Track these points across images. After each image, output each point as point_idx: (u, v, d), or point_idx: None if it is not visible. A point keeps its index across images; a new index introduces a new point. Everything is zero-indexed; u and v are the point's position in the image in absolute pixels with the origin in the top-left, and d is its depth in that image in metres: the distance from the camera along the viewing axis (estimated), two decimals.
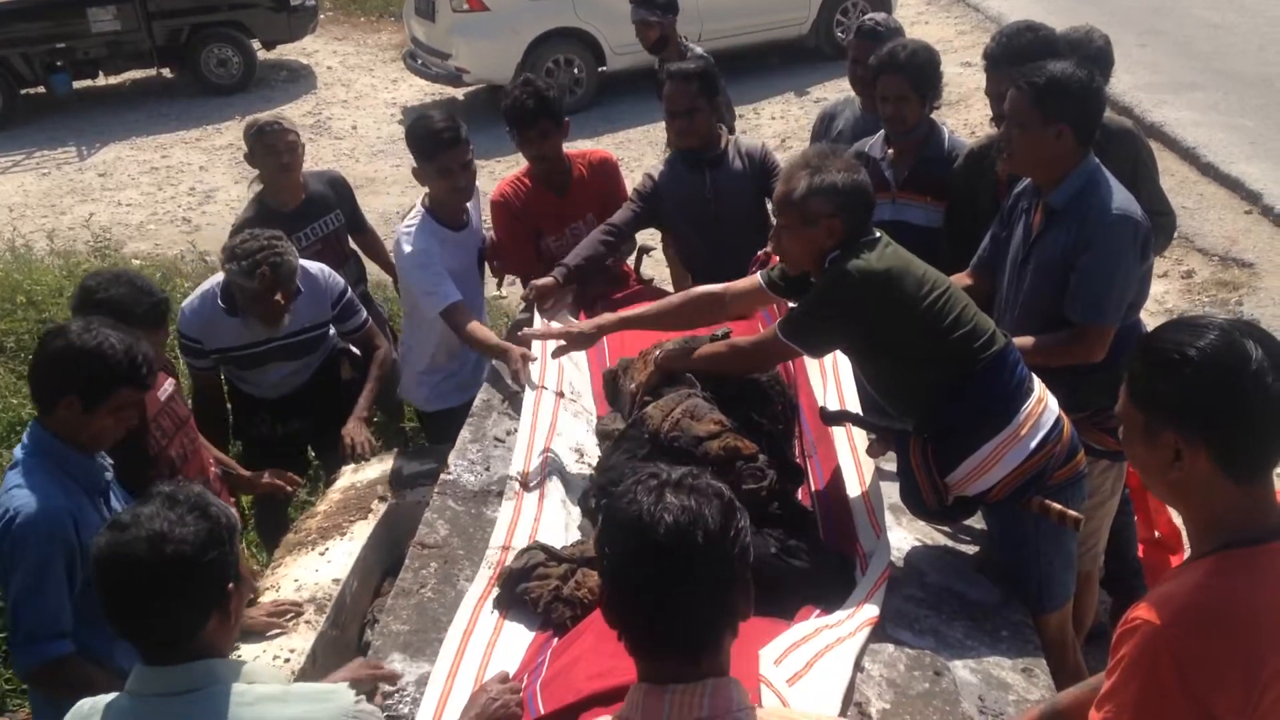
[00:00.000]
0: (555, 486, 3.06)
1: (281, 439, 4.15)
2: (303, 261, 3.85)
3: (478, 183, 4.13)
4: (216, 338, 3.85)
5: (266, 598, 2.96)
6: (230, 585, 1.86)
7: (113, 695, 1.86)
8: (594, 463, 3.21)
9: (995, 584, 2.79)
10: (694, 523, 1.47)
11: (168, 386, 3.31)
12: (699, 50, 5.80)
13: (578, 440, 3.33)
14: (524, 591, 2.57)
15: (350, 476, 3.69)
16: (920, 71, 3.76)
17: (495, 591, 2.67)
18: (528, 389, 3.48)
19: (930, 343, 2.67)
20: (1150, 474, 1.72)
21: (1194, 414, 1.61)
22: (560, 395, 3.48)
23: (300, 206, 4.42)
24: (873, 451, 3.09)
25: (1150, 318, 5.52)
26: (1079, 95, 2.93)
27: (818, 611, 2.53)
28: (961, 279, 3.22)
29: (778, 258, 2.96)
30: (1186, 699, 1.57)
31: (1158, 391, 1.65)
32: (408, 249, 3.87)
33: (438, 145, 3.80)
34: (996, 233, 3.27)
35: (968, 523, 3.07)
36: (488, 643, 2.49)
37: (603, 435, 3.30)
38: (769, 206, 3.66)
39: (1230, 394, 1.58)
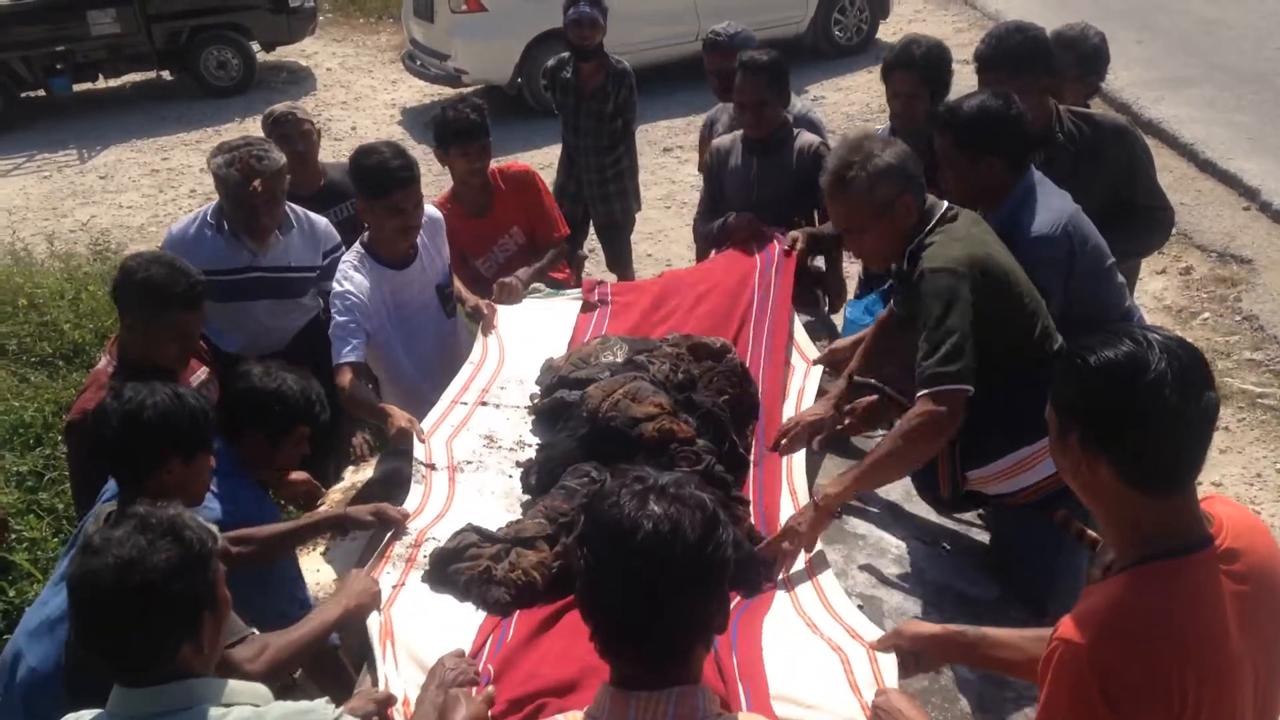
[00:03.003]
0: (467, 476, 3.06)
1: None
2: (310, 213, 3.97)
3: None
4: (198, 257, 3.52)
5: None
6: (205, 613, 1.80)
7: (95, 712, 1.80)
8: (505, 445, 3.21)
9: (998, 582, 2.79)
10: (673, 531, 1.44)
11: (200, 374, 3.32)
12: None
13: (489, 428, 3.30)
14: (455, 572, 2.57)
15: (350, 477, 3.70)
16: (934, 69, 3.78)
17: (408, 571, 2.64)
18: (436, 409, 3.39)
19: (1016, 335, 2.60)
20: (1066, 476, 1.71)
21: (1088, 418, 1.61)
22: (483, 404, 3.43)
23: (318, 192, 4.46)
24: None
25: (1149, 315, 5.54)
26: (998, 126, 2.92)
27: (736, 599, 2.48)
28: None
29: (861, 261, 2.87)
30: (1114, 717, 1.55)
31: (1061, 392, 1.67)
32: (337, 288, 3.52)
33: (393, 184, 3.45)
34: None
35: (967, 518, 3.08)
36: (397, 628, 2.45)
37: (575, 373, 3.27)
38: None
39: (1121, 402, 1.57)
